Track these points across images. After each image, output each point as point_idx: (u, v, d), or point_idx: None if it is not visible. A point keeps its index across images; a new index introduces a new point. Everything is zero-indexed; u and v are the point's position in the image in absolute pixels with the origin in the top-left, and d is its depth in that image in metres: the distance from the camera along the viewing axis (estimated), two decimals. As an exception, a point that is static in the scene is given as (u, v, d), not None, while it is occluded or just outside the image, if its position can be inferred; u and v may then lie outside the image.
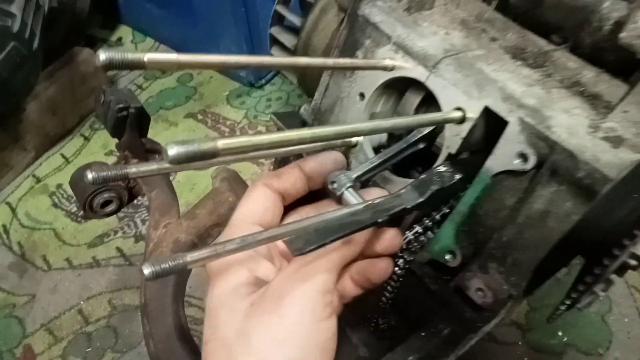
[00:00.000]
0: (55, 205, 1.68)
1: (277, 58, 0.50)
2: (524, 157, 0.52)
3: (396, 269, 0.67)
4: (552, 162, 0.50)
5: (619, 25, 0.55)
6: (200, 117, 1.96)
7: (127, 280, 1.46)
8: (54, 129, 1.85)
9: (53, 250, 1.56)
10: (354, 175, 0.62)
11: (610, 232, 0.60)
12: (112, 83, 2.00)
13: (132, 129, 0.85)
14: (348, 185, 0.60)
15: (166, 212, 0.84)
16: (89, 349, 1.36)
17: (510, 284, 0.58)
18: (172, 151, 0.33)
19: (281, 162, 0.85)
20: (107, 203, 0.89)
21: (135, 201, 1.68)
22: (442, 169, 0.56)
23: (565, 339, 1.34)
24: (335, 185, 0.60)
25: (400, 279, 0.67)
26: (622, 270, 0.57)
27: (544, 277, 0.67)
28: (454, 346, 0.65)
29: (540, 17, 0.65)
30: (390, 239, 0.54)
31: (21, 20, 1.43)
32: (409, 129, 0.53)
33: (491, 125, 0.56)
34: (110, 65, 0.38)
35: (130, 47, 2.29)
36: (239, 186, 0.83)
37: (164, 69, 0.43)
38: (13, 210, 1.66)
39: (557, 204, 0.51)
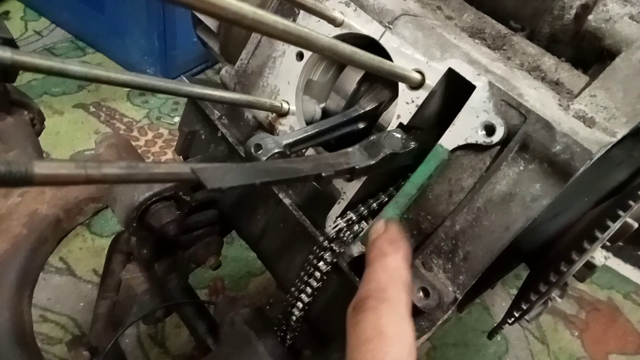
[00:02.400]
0: None
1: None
2: (490, 128, 0.45)
3: (321, 264, 0.55)
4: (523, 133, 0.43)
5: (585, 9, 0.51)
6: (92, 109, 1.72)
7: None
8: None
9: None
10: (285, 142, 0.50)
11: (557, 238, 0.55)
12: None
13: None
14: (276, 151, 0.48)
15: (26, 178, 0.64)
16: None
17: (457, 284, 0.48)
18: None
19: (188, 134, 0.70)
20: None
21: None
22: (395, 133, 0.47)
23: (463, 379, 1.30)
24: (260, 151, 0.48)
25: (325, 277, 0.55)
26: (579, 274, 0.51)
27: (479, 288, 0.60)
28: None
29: (497, 2, 0.60)
30: None
31: None
32: (364, 68, 0.43)
33: (452, 94, 0.48)
34: None
35: (19, 24, 1.99)
36: (129, 156, 0.66)
37: None
38: None
39: (524, 185, 0.44)
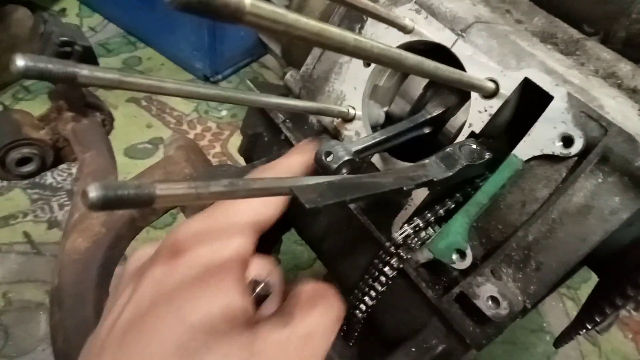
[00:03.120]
0: (-47, 176, 1.41)
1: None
2: (568, 140, 0.44)
3: (387, 269, 0.56)
4: (604, 146, 0.42)
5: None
6: (144, 103, 1.78)
7: (32, 272, 1.23)
8: (-33, 92, 1.59)
9: (-60, 229, 1.30)
10: (354, 149, 0.51)
11: (632, 248, 0.54)
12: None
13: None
14: (346, 158, 0.49)
15: (102, 179, 0.68)
16: (-31, 352, 1.11)
17: (527, 294, 0.49)
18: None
19: (252, 136, 0.72)
20: (25, 161, 0.72)
21: (54, 183, 1.46)
22: (470, 144, 0.47)
23: (512, 378, 1.29)
24: (330, 158, 0.49)
25: (390, 282, 0.56)
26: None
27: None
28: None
29: (569, 5, 0.59)
30: None
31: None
32: (445, 81, 0.43)
33: (527, 103, 0.48)
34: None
35: (75, 21, 2.07)
36: (197, 158, 0.69)
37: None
38: None
39: (603, 198, 0.43)
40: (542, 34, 0.57)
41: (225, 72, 1.89)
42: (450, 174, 0.43)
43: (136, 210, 0.65)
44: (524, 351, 1.35)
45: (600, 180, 0.44)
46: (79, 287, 0.61)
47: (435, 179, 0.42)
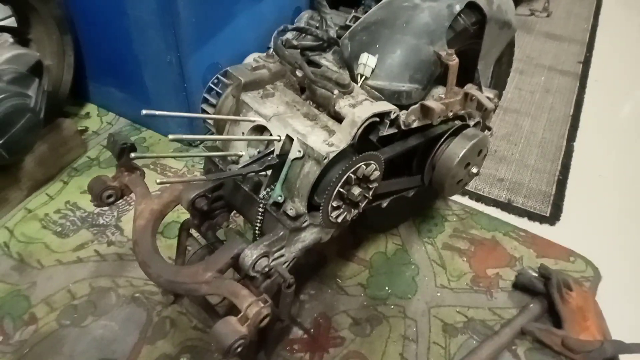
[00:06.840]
0: (44, 227, 2.33)
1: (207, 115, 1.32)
2: (300, 152, 1.38)
3: (260, 209, 1.48)
4: (307, 152, 1.36)
5: (335, 103, 1.45)
6: (152, 167, 2.71)
7: (103, 271, 2.13)
8: (42, 175, 2.54)
9: (45, 256, 2.20)
10: (238, 167, 1.44)
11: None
12: (85, 145, 2.74)
13: (128, 154, 1.63)
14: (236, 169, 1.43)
15: (145, 197, 1.60)
16: (75, 315, 1.99)
17: (302, 205, 1.41)
18: (171, 136, 1.16)
19: (207, 169, 1.65)
20: (109, 196, 1.64)
21: (105, 222, 2.38)
22: (268, 157, 1.40)
23: (390, 291, 2.15)
24: (229, 170, 1.43)
25: (263, 215, 1.48)
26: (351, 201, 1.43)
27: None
28: (288, 241, 1.45)
29: (316, 100, 1.54)
30: None
31: (34, 99, 2.20)
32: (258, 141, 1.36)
33: (290, 143, 1.42)
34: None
35: (96, 119, 3.04)
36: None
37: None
38: (11, 232, 2.29)
39: (311, 168, 1.36)
40: (305, 114, 1.52)
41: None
42: (260, 168, 1.36)
43: (161, 206, 1.57)
44: (398, 275, 2.21)
45: (310, 163, 1.37)
46: (143, 239, 1.52)
47: (242, 174, 1.34)
